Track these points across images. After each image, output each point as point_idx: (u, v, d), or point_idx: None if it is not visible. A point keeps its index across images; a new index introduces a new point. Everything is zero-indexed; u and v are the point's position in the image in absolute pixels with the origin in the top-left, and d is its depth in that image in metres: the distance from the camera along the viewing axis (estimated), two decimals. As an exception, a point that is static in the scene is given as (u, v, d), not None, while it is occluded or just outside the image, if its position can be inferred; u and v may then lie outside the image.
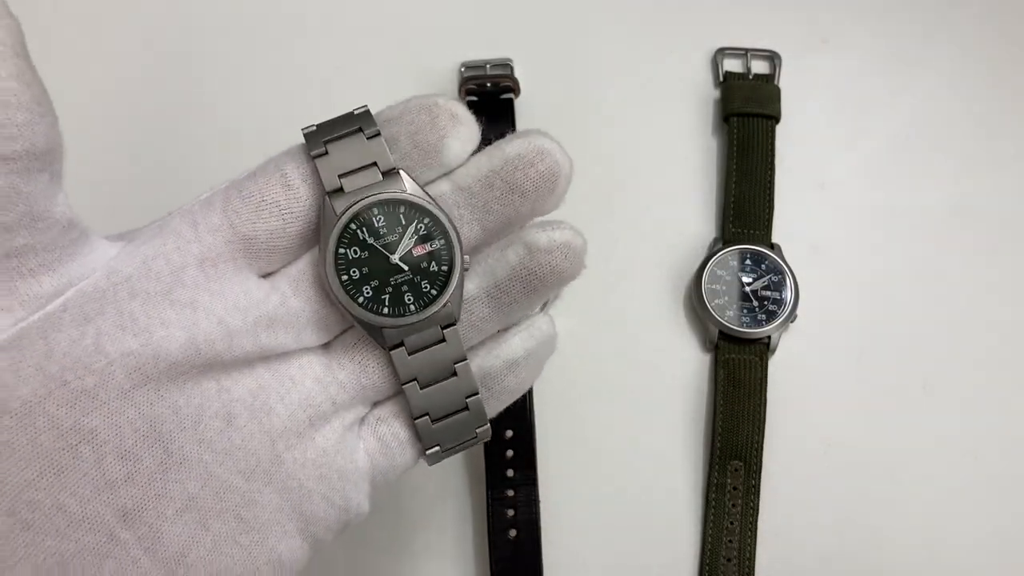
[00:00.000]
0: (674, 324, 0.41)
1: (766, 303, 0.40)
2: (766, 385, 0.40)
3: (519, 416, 0.38)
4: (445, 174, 0.26)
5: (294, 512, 0.25)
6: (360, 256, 0.25)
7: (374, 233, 0.25)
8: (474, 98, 0.42)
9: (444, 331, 0.25)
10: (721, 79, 0.44)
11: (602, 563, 0.38)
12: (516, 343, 0.27)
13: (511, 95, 0.42)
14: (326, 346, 0.26)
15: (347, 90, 0.44)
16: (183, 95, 0.44)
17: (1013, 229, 0.42)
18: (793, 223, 0.42)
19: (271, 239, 0.24)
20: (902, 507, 0.39)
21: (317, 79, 0.44)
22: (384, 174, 0.25)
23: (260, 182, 0.24)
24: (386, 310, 0.25)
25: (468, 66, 0.43)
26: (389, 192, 0.25)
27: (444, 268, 0.25)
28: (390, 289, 0.25)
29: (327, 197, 0.24)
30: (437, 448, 0.26)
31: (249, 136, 0.42)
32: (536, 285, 0.26)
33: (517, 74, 0.43)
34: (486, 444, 0.38)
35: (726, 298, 0.40)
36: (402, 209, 0.25)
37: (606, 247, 0.42)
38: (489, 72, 0.43)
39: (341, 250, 0.24)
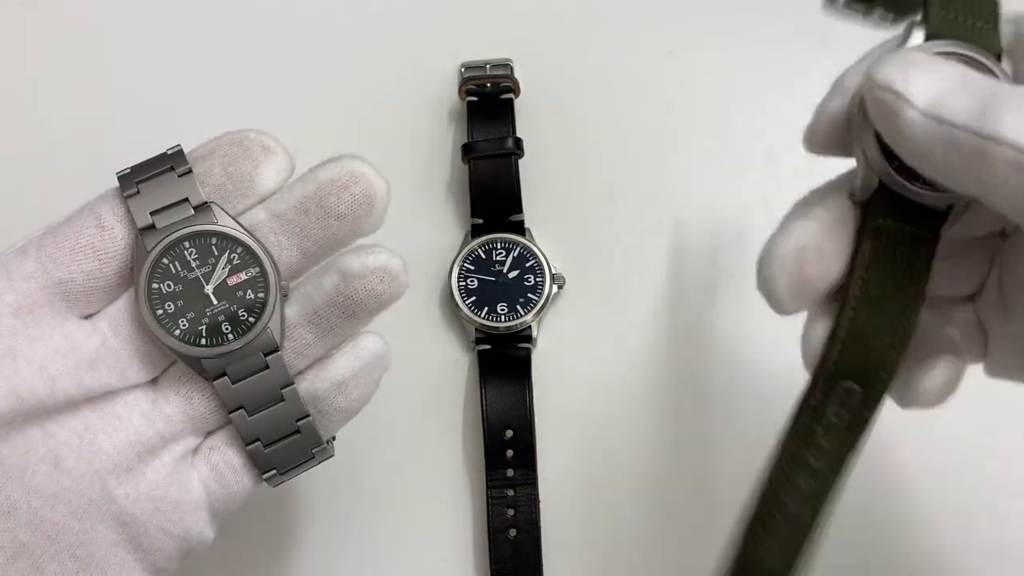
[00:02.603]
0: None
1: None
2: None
3: (519, 416, 0.38)
4: (261, 202, 0.26)
5: (131, 545, 0.25)
6: (174, 290, 0.25)
7: (186, 266, 0.25)
8: (474, 98, 0.42)
9: (267, 358, 0.26)
10: (721, 78, 0.44)
11: (602, 564, 0.38)
12: (342, 364, 0.27)
13: (511, 95, 0.42)
14: (154, 381, 0.26)
15: (347, 90, 0.44)
16: (181, 95, 0.44)
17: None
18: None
19: (87, 281, 0.25)
20: (905, 502, 0.39)
21: (317, 79, 0.44)
22: (196, 208, 0.25)
23: (75, 225, 0.25)
24: (204, 341, 0.25)
25: (468, 66, 0.43)
26: (200, 225, 0.25)
27: (260, 296, 0.26)
28: (207, 320, 0.25)
29: (139, 234, 0.25)
30: (274, 471, 0.27)
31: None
32: (355, 310, 0.27)
33: (517, 74, 0.43)
34: (486, 444, 0.38)
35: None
36: (214, 240, 0.25)
37: (607, 246, 0.42)
38: (489, 72, 0.43)
39: (154, 285, 0.25)
